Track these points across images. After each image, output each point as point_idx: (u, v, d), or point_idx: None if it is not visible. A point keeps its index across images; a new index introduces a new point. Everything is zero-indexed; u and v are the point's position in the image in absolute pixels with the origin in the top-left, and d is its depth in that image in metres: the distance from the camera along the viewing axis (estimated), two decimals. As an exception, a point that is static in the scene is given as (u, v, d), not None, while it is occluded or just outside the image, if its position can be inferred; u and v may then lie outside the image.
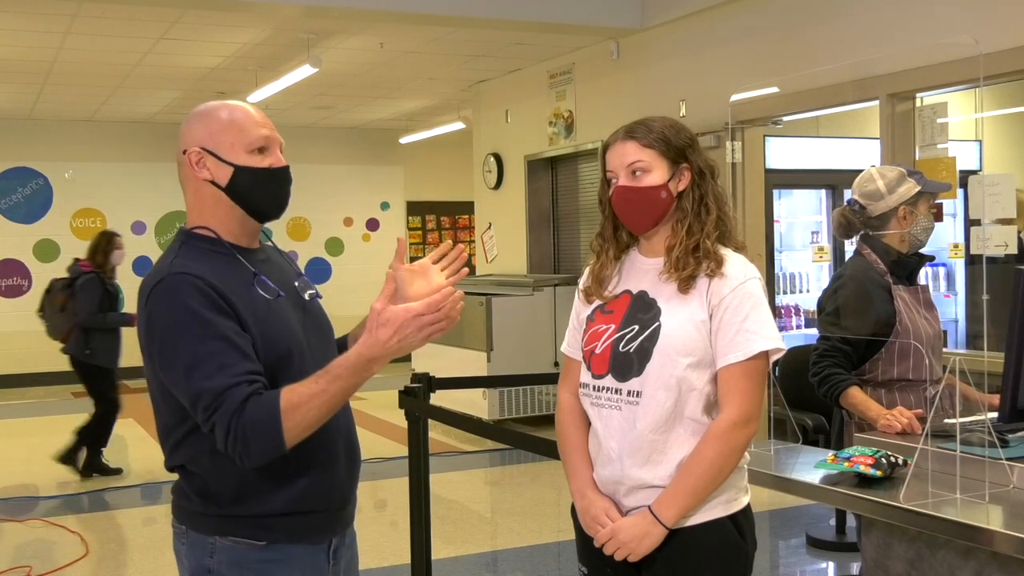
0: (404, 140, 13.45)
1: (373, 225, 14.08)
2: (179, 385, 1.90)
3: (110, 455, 8.93)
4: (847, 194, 3.59)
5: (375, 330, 1.87)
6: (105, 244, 7.27)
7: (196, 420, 1.90)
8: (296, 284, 2.13)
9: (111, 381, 7.40)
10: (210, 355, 1.86)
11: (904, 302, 3.36)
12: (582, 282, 2.37)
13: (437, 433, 8.02)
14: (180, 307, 1.89)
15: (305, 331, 2.07)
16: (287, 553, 2.02)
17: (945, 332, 7.69)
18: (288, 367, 1.97)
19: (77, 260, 7.42)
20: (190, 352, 1.87)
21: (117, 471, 7.37)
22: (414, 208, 14.37)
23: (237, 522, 1.99)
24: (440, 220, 14.52)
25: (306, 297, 2.14)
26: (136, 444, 8.75)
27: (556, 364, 8.33)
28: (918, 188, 3.40)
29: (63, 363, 12.34)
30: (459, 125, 11.88)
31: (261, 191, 2.03)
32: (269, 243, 2.19)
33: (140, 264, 12.84)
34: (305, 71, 8.38)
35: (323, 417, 1.89)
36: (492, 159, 10.18)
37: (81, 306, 7.16)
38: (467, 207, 12.42)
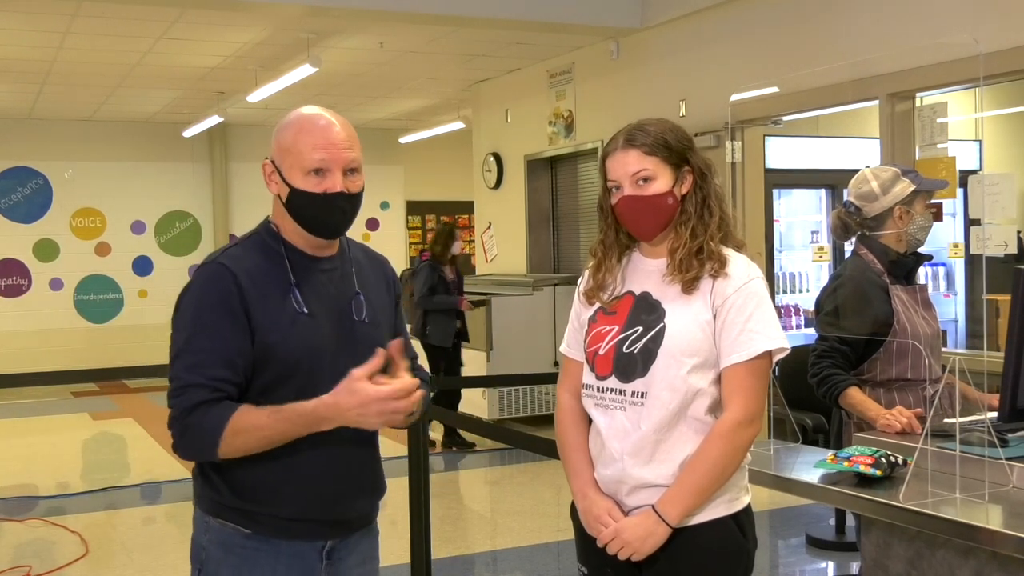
0: (404, 140, 13.44)
1: (373, 225, 14.08)
2: (170, 361, 2.03)
3: (109, 453, 8.95)
4: (847, 194, 3.59)
5: (343, 394, 1.93)
6: (446, 237, 8.02)
7: None
8: (352, 304, 2.13)
9: (444, 360, 7.99)
10: (197, 349, 1.98)
11: (902, 302, 3.36)
12: (582, 284, 2.36)
13: (437, 433, 8.04)
14: (198, 296, 2.03)
15: (337, 350, 2.07)
16: (273, 545, 2.06)
17: (945, 332, 7.69)
18: (291, 378, 2.02)
19: (421, 251, 8.35)
20: (184, 339, 2.01)
21: (471, 445, 8.02)
22: (414, 208, 14.37)
23: (228, 509, 2.07)
24: (440, 220, 14.51)
25: (355, 319, 2.13)
26: (135, 443, 8.75)
27: (556, 364, 8.33)
28: (913, 187, 3.39)
29: (62, 363, 12.50)
30: (459, 125, 11.87)
31: (311, 213, 2.07)
32: (347, 249, 2.19)
33: (139, 264, 12.85)
34: (305, 71, 8.37)
35: (260, 448, 1.98)
36: (492, 159, 10.18)
37: (416, 290, 7.93)
38: (467, 207, 12.42)
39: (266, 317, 2.00)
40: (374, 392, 1.92)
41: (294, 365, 2.02)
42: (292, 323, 2.02)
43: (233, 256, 2.07)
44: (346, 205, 2.06)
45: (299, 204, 2.06)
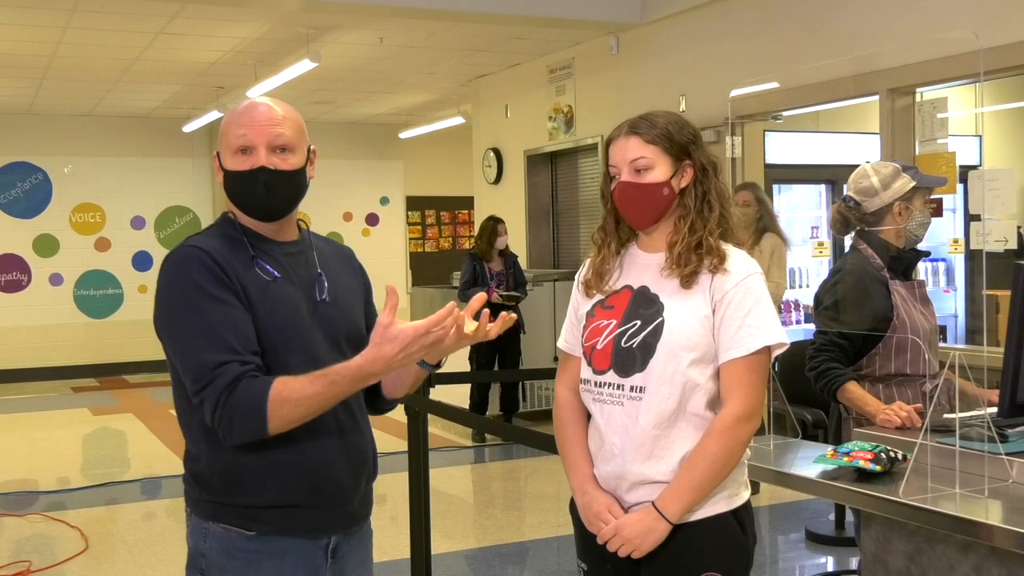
0: (404, 135, 13.43)
1: (373, 220, 14.08)
2: (176, 355, 1.96)
3: (109, 449, 8.96)
4: (846, 189, 3.59)
5: (381, 344, 1.87)
6: (489, 233, 8.11)
7: (188, 391, 1.95)
8: (315, 284, 2.12)
9: (476, 352, 8.07)
10: (207, 328, 1.92)
11: (901, 297, 3.36)
12: (582, 274, 2.36)
13: (436, 428, 8.04)
14: (185, 278, 1.96)
15: (311, 322, 2.07)
16: (277, 545, 2.04)
17: (944, 327, 7.69)
18: (288, 342, 2.01)
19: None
20: (188, 323, 1.94)
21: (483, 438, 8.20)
22: (414, 203, 14.36)
23: (228, 510, 2.03)
24: (440, 215, 14.52)
25: (317, 299, 2.11)
26: (135, 439, 8.76)
27: (555, 359, 8.32)
28: (912, 183, 3.39)
29: (62, 358, 12.51)
30: (459, 120, 11.87)
31: (240, 193, 2.07)
32: (308, 236, 2.19)
33: (139, 259, 12.84)
34: (305, 66, 8.37)
35: (309, 416, 1.93)
36: (492, 154, 10.18)
37: (460, 281, 8.15)
38: (467, 202, 12.42)
39: (242, 291, 1.99)
40: (412, 331, 1.87)
41: (280, 325, 2.00)
42: (264, 292, 2.01)
43: (199, 240, 2.06)
44: (271, 181, 2.03)
45: (230, 185, 2.07)
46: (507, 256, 8.17)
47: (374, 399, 2.25)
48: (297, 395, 1.88)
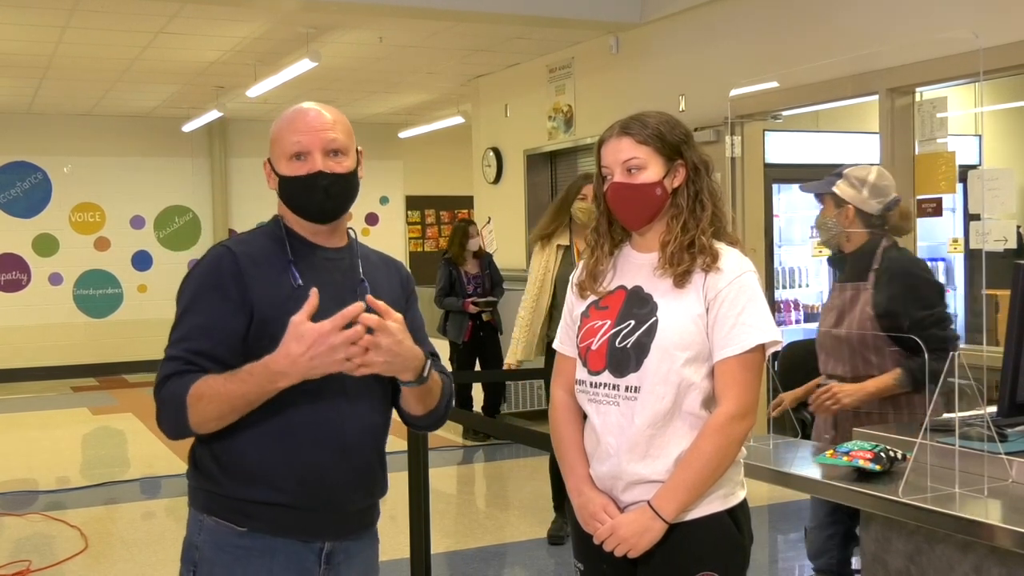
0: (403, 134, 13.43)
1: (372, 220, 14.07)
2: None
3: (109, 448, 8.95)
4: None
5: (288, 342, 1.89)
6: (461, 235, 8.09)
7: None
8: (356, 291, 2.10)
9: (456, 355, 8.08)
10: (184, 325, 2.03)
11: (831, 298, 3.50)
12: (575, 276, 2.37)
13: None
14: (194, 276, 2.08)
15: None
16: (268, 544, 2.04)
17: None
18: None
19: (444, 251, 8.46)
20: (177, 316, 2.07)
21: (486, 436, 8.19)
22: (413, 203, 14.36)
23: (222, 502, 2.04)
24: (439, 215, 14.52)
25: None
26: (135, 438, 8.75)
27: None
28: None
29: (62, 358, 12.50)
30: (458, 119, 11.86)
31: (298, 198, 2.09)
32: (355, 244, 2.18)
33: (139, 259, 12.84)
34: (304, 65, 8.36)
35: (228, 413, 1.96)
36: (491, 153, 10.17)
37: (436, 288, 8.13)
38: (466, 201, 12.40)
39: (263, 294, 2.01)
40: (317, 329, 1.87)
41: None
42: (288, 298, 2.01)
43: (238, 240, 2.14)
44: (328, 184, 2.06)
45: (287, 190, 2.10)
46: (482, 257, 8.17)
47: (402, 413, 2.23)
48: (211, 392, 1.94)
